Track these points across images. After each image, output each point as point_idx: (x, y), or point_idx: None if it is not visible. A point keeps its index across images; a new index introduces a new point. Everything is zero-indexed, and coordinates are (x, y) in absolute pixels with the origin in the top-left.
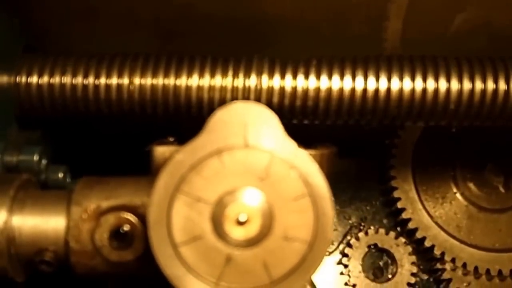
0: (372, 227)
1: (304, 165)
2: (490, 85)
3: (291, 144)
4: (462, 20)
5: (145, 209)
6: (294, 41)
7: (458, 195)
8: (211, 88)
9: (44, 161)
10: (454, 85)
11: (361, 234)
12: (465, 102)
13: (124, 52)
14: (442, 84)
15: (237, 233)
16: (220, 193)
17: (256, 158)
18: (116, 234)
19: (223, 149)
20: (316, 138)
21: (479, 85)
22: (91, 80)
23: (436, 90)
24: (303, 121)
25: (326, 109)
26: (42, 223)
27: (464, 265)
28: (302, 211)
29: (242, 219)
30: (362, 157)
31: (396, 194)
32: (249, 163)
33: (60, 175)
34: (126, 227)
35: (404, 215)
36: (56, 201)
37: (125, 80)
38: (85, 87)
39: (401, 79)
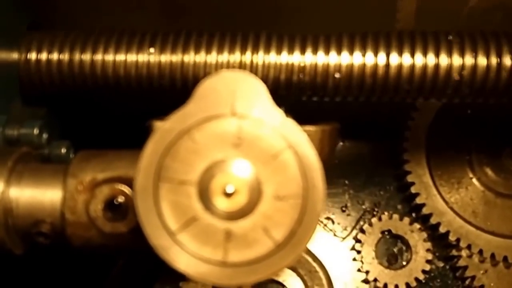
0: (386, 213)
1: (292, 134)
2: (508, 61)
3: (279, 112)
4: (476, 2)
5: None
6: (304, 17)
7: (474, 180)
8: (218, 65)
9: (45, 135)
10: (468, 60)
11: (374, 220)
12: (479, 77)
13: (131, 29)
14: (456, 60)
15: (228, 205)
16: (220, 156)
17: (270, 138)
18: (111, 206)
19: (211, 118)
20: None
21: (494, 60)
22: (95, 56)
23: (450, 66)
24: (312, 98)
25: (335, 84)
26: (39, 195)
27: (481, 252)
28: (288, 209)
29: (229, 191)
30: (376, 141)
31: (409, 178)
32: (261, 139)
33: (63, 150)
34: (121, 199)
35: (418, 200)
36: (53, 174)
37: (133, 57)
38: (89, 63)
39: (412, 54)
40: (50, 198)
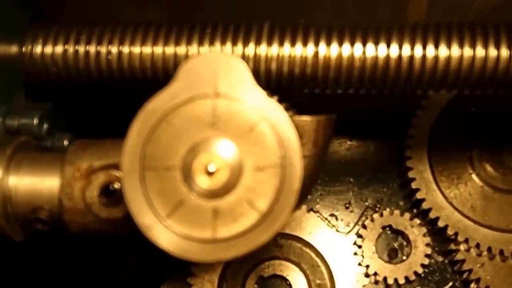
0: (387, 209)
1: (273, 114)
2: None
3: (261, 93)
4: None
5: None
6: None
7: (473, 176)
8: None
9: (45, 126)
10: (479, 51)
11: (375, 215)
12: (490, 69)
13: (133, 22)
14: (467, 51)
15: (211, 184)
16: (201, 136)
17: (248, 116)
18: (106, 192)
19: (205, 96)
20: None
21: (505, 52)
22: (97, 49)
23: (461, 57)
24: (321, 90)
25: (348, 76)
26: (37, 183)
27: (478, 246)
28: (268, 179)
29: (210, 169)
30: (381, 139)
31: (411, 174)
32: (239, 118)
33: (65, 142)
34: (116, 185)
35: (418, 196)
36: (51, 162)
37: (135, 49)
38: (91, 55)
39: (424, 47)
40: (48, 185)
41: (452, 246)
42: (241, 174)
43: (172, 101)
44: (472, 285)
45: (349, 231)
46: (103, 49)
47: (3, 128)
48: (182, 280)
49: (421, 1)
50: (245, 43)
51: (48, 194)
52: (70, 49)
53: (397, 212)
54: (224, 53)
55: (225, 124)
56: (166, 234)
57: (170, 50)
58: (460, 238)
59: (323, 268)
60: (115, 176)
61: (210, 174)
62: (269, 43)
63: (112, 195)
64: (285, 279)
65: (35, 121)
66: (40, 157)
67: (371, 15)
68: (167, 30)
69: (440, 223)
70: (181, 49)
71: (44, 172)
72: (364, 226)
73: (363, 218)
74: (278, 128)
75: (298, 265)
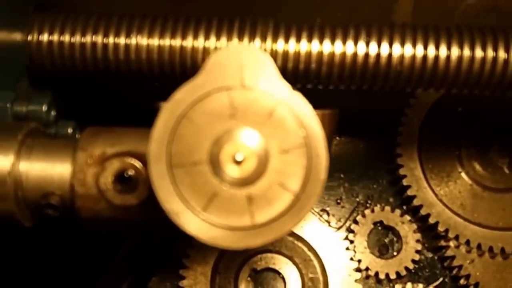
0: (378, 205)
1: (298, 106)
2: (502, 54)
3: (286, 85)
4: (469, 5)
5: None
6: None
7: (463, 174)
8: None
9: (53, 113)
10: (466, 52)
11: (367, 211)
12: (476, 69)
13: (133, 13)
14: (454, 51)
15: (241, 172)
16: (223, 128)
17: (265, 102)
18: (121, 178)
19: (221, 89)
20: None
21: (490, 53)
22: (100, 38)
23: (448, 57)
24: (325, 86)
25: (340, 73)
26: (48, 168)
27: (468, 242)
28: (295, 159)
29: (238, 158)
30: (371, 137)
31: (401, 171)
32: (257, 105)
33: (70, 130)
34: (131, 172)
35: (409, 192)
36: (63, 148)
37: (133, 40)
38: (94, 45)
39: (414, 46)
40: (59, 171)
41: (442, 243)
42: (268, 158)
43: (199, 92)
44: (462, 281)
45: (341, 226)
46: (110, 40)
47: (11, 114)
48: (174, 272)
49: (407, 2)
50: (251, 39)
51: (60, 180)
52: (77, 38)
53: (388, 208)
54: (250, 46)
55: (244, 114)
56: (194, 220)
57: (175, 42)
58: (451, 234)
59: (315, 262)
60: (130, 163)
61: (238, 163)
62: (274, 40)
63: (127, 182)
64: (278, 272)
65: (44, 107)
66: (51, 143)
67: (357, 16)
68: (173, 22)
69: (431, 220)
70: (188, 43)
71: (55, 158)
72: (355, 222)
73: (355, 214)
74: (312, 143)
75: (290, 258)
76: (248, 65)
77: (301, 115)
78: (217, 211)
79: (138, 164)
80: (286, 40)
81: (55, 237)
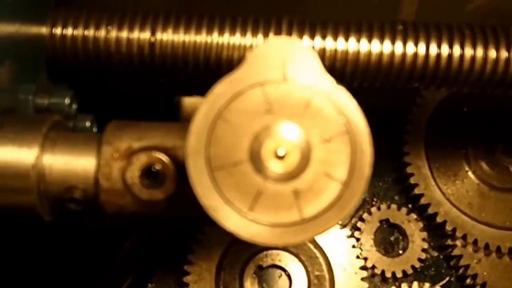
0: (384, 203)
1: (343, 101)
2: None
3: (330, 79)
4: (475, 5)
5: (177, 151)
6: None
7: (470, 173)
8: (240, 47)
9: (74, 106)
10: (468, 51)
11: (373, 209)
12: (477, 68)
13: (157, 9)
14: (456, 50)
15: (285, 167)
16: (261, 125)
17: (300, 94)
18: (148, 173)
19: (263, 83)
20: None
21: (492, 53)
22: (123, 34)
23: (450, 56)
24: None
25: (342, 70)
26: (72, 162)
27: (475, 242)
28: (339, 147)
29: (280, 153)
30: (377, 134)
31: (409, 170)
32: (292, 98)
33: (88, 123)
34: (158, 166)
35: (417, 191)
36: (87, 142)
37: (158, 36)
38: (116, 40)
39: (416, 44)
40: (83, 165)
41: (449, 242)
42: (310, 149)
43: (239, 85)
44: (468, 280)
45: (347, 224)
46: (133, 35)
47: (32, 106)
48: (179, 267)
49: (412, 3)
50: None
51: (84, 174)
52: (101, 33)
53: (394, 206)
54: (293, 39)
55: (280, 107)
56: (233, 216)
57: (201, 38)
58: (458, 234)
59: (321, 260)
60: (157, 157)
61: (280, 158)
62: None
63: (154, 177)
64: (283, 269)
65: (67, 100)
66: (74, 136)
67: (362, 15)
68: (198, 19)
69: (439, 219)
70: (202, 38)
71: (80, 152)
72: (362, 219)
73: (360, 212)
74: (356, 138)
75: (296, 255)
76: (291, 58)
77: (340, 104)
78: (264, 209)
79: (165, 158)
80: (300, 36)
81: (60, 230)
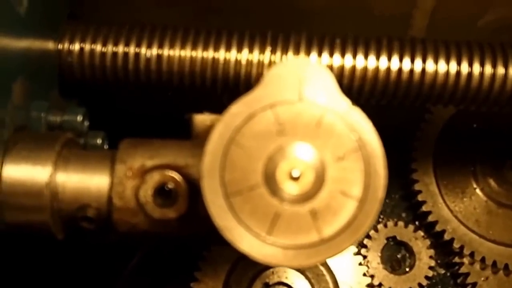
0: (391, 220)
1: (358, 122)
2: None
3: (346, 101)
4: (486, 21)
5: (189, 169)
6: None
7: (477, 191)
8: (248, 63)
9: (86, 123)
10: (476, 68)
11: (380, 226)
12: (486, 86)
13: (165, 24)
14: (464, 67)
15: (301, 188)
16: (274, 147)
17: (311, 113)
18: (161, 192)
19: (278, 103)
20: None
21: (501, 70)
22: (137, 49)
23: (459, 73)
24: None
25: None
26: (85, 180)
27: (483, 260)
28: (353, 164)
29: (295, 175)
30: (384, 150)
31: (417, 187)
32: (303, 117)
33: (99, 141)
34: (171, 185)
35: (425, 208)
36: (100, 160)
37: (165, 51)
38: (125, 55)
39: (424, 61)
40: (97, 183)
41: (456, 259)
42: (325, 169)
43: (255, 106)
44: None
45: None
46: (142, 50)
47: (45, 124)
48: (185, 284)
49: (423, 18)
50: (273, 51)
51: (97, 192)
52: (109, 48)
53: (401, 223)
54: (309, 60)
55: (292, 128)
56: (246, 237)
57: (208, 54)
58: (466, 251)
59: (328, 277)
60: (170, 176)
61: (295, 179)
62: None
63: (167, 196)
64: (290, 287)
65: (79, 118)
66: (87, 154)
67: (372, 31)
68: (206, 34)
69: (447, 236)
70: (208, 54)
71: (93, 170)
72: (368, 237)
73: None
74: (371, 160)
75: (303, 273)
76: (307, 79)
77: (355, 125)
78: (283, 232)
79: (178, 177)
80: (307, 53)
81: (68, 246)
